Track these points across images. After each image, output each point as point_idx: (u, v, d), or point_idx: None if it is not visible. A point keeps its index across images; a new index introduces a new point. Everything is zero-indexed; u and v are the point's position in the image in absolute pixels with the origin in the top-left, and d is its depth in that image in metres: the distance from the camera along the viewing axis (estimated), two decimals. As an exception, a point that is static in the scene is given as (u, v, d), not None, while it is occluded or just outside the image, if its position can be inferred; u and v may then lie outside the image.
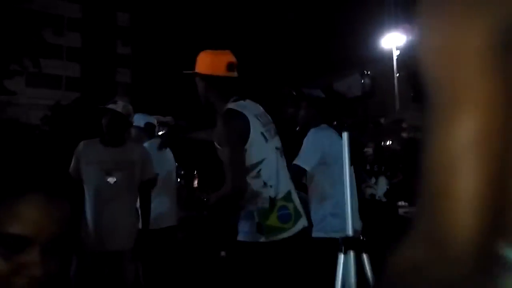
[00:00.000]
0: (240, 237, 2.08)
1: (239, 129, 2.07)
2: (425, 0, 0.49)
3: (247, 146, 2.06)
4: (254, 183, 2.06)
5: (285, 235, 2.06)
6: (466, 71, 0.46)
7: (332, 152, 2.58)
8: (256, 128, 2.10)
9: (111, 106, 2.96)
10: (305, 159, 2.65)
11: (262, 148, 2.09)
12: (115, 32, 35.02)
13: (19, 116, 28.53)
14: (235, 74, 2.24)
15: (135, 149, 3.03)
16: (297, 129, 2.87)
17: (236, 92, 2.23)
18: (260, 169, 2.07)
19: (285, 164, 2.22)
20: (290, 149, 2.98)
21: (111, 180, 2.84)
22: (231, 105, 2.14)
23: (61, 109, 25.73)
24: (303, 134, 2.81)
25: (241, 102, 2.19)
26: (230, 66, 2.21)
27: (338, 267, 1.92)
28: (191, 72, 2.25)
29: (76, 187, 2.87)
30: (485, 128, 0.47)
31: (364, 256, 1.94)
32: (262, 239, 2.03)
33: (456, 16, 0.46)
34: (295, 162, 2.78)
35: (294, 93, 2.80)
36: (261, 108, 2.28)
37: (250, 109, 2.17)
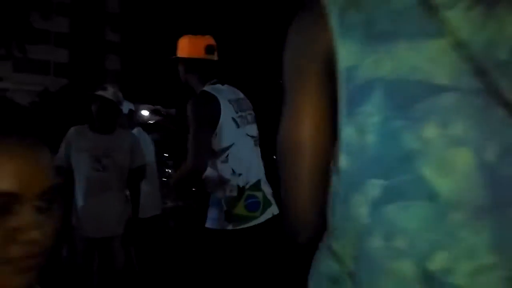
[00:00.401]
0: (208, 224, 2.09)
1: (207, 111, 2.07)
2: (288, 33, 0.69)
3: (217, 130, 2.06)
4: (222, 169, 2.07)
5: (253, 223, 2.07)
6: (302, 82, 0.67)
7: None
8: (227, 113, 2.09)
9: (100, 92, 2.94)
10: None
11: (232, 133, 2.09)
12: (104, 18, 34.56)
13: (6, 102, 28.07)
14: (214, 57, 2.24)
15: (125, 136, 3.03)
16: None
17: (216, 76, 2.23)
18: (227, 154, 2.08)
19: (258, 153, 2.21)
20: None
21: (101, 167, 2.85)
22: (206, 88, 2.15)
23: (49, 96, 25.43)
24: None
25: (218, 85, 2.19)
26: (208, 49, 2.21)
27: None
28: (173, 57, 2.27)
29: (66, 174, 2.88)
30: (314, 128, 0.65)
31: None
32: (230, 227, 2.05)
33: (300, 47, 0.67)
34: None
35: (280, 82, 2.81)
36: (241, 94, 2.27)
37: (225, 93, 2.17)
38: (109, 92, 2.93)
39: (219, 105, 2.08)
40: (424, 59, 0.57)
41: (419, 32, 0.58)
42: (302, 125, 0.67)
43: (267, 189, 2.18)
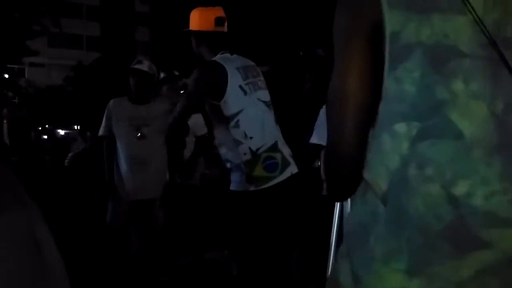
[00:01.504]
0: (232, 187, 2.20)
1: (212, 78, 2.18)
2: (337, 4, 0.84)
3: (225, 97, 2.15)
4: (234, 133, 2.17)
5: (273, 182, 2.16)
6: (351, 46, 0.80)
7: None
8: (234, 80, 2.18)
9: (137, 66, 3.13)
10: (320, 136, 2.73)
11: (240, 99, 2.17)
12: (133, -10, 34.60)
13: (41, 77, 28.96)
14: (224, 28, 2.32)
15: (161, 105, 3.21)
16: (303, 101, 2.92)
17: (226, 47, 2.30)
18: (238, 120, 2.16)
19: (273, 117, 2.28)
20: (303, 124, 3.02)
21: (140, 135, 3.06)
22: (215, 58, 2.23)
23: (83, 69, 25.99)
24: (311, 107, 2.84)
25: (227, 55, 2.26)
26: (218, 21, 2.29)
27: (335, 213, 1.97)
28: (185, 30, 2.35)
29: (108, 143, 3.14)
30: (360, 80, 0.79)
31: None
32: (252, 188, 2.15)
33: (349, 15, 0.81)
34: (311, 141, 2.86)
35: (301, 53, 2.81)
36: (250, 62, 2.34)
37: (234, 62, 2.24)
38: (145, 65, 3.13)
39: (226, 73, 2.16)
40: (453, 29, 0.73)
41: (449, 8, 0.74)
42: (350, 77, 0.79)
43: (285, 150, 2.26)
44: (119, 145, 3.12)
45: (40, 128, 19.32)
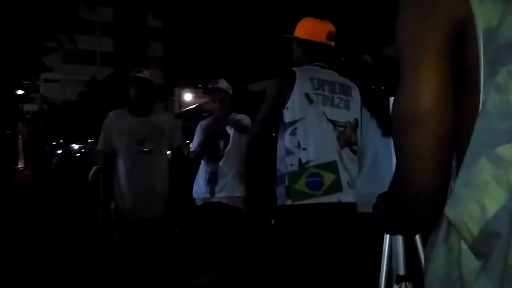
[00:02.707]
0: (277, 203, 2.13)
1: (279, 86, 2.15)
2: (401, 1, 0.68)
3: (288, 104, 2.09)
4: (288, 141, 2.09)
5: (312, 201, 2.05)
6: (425, 55, 0.65)
7: None
8: (300, 87, 2.10)
9: (139, 74, 3.03)
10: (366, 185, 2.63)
11: (304, 107, 2.09)
12: (146, 5, 35.15)
13: (56, 92, 29.42)
14: (332, 43, 2.28)
15: (164, 117, 3.10)
16: None
17: (326, 60, 2.26)
18: (296, 128, 2.08)
19: (335, 136, 2.13)
20: None
21: (144, 149, 2.91)
22: (294, 68, 2.20)
23: (97, 85, 26.32)
24: None
25: (312, 66, 2.22)
26: (330, 35, 2.26)
27: (384, 246, 1.79)
28: (290, 36, 2.29)
29: (107, 159, 2.95)
30: (437, 97, 0.64)
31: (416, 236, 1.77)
32: (289, 202, 2.06)
33: (421, 15, 0.65)
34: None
35: (343, 59, 2.66)
36: (342, 79, 2.25)
37: (314, 72, 2.19)
38: (146, 73, 3.04)
39: (294, 79, 2.10)
40: None
41: None
42: (424, 93, 0.64)
43: (346, 175, 2.10)
44: (120, 161, 2.91)
45: (54, 143, 19.55)
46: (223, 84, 3.24)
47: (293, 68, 2.17)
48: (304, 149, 2.06)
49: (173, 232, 3.22)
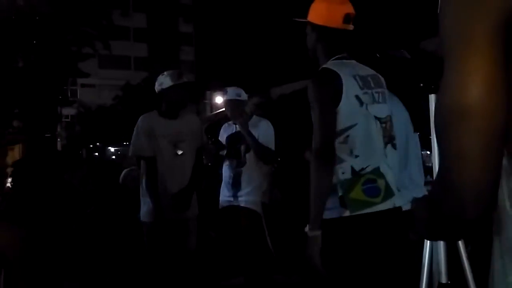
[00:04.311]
0: (325, 216, 1.88)
1: (329, 89, 1.91)
2: None
3: (338, 109, 1.88)
4: (340, 149, 1.89)
5: (373, 209, 1.87)
6: (473, 44, 0.59)
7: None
8: (350, 90, 1.90)
9: (184, 80, 3.10)
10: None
11: (355, 112, 1.90)
12: (178, 10, 35.70)
13: (93, 97, 30.25)
14: (350, 26, 2.02)
15: (191, 118, 3.19)
16: None
17: (346, 48, 2.04)
18: (348, 135, 1.89)
19: (381, 136, 1.97)
20: None
21: (178, 152, 3.00)
22: (328, 64, 1.98)
23: (131, 89, 26.90)
24: None
25: (342, 61, 2.00)
26: (347, 18, 1.99)
27: (424, 253, 1.72)
28: (302, 20, 2.05)
29: (152, 161, 2.97)
30: (486, 90, 0.58)
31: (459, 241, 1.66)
32: (347, 213, 1.86)
33: (466, 4, 0.60)
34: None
35: (378, 55, 2.46)
36: (370, 70, 2.06)
37: (350, 68, 1.98)
38: (188, 77, 3.19)
39: (341, 81, 1.89)
40: None
41: None
42: (470, 87, 0.58)
43: (390, 176, 1.95)
44: (158, 164, 2.98)
45: (91, 146, 20.10)
46: (231, 93, 3.28)
47: (329, 67, 1.95)
48: (356, 156, 1.89)
49: (208, 234, 3.27)
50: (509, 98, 0.58)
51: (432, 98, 1.81)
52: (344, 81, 1.90)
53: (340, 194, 1.87)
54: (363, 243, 1.87)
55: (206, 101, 26.41)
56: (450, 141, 0.60)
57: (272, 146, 3.25)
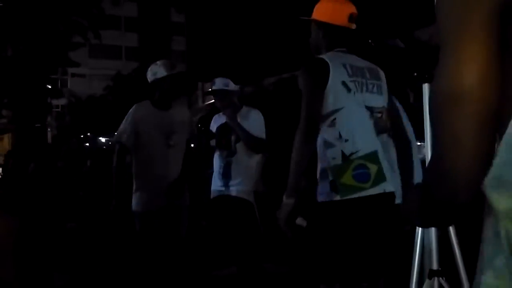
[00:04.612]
0: (318, 199, 2.02)
1: (314, 74, 2.01)
2: None
3: (324, 93, 1.98)
4: (328, 133, 1.99)
5: (362, 194, 1.95)
6: (469, 31, 0.60)
7: None
8: (337, 76, 2.00)
9: (176, 70, 3.10)
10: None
11: (341, 97, 1.99)
12: (169, 0, 35.39)
13: (83, 87, 30.03)
14: (353, 26, 2.15)
15: (183, 110, 3.21)
16: None
17: (347, 44, 2.15)
18: (335, 118, 1.98)
19: (372, 124, 2.05)
20: None
21: (170, 142, 3.01)
22: (321, 55, 2.08)
23: (122, 79, 26.72)
24: None
25: (339, 52, 2.10)
26: (351, 18, 2.14)
27: (416, 240, 1.75)
28: (307, 18, 2.16)
29: (123, 150, 3.00)
30: (480, 76, 0.59)
31: (450, 227, 1.69)
32: (337, 197, 1.95)
33: None
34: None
35: (372, 43, 2.63)
36: (368, 63, 2.17)
37: (343, 58, 2.08)
38: (179, 67, 3.15)
39: (328, 67, 1.99)
40: None
41: None
42: (465, 74, 0.59)
43: (385, 163, 2.03)
44: (144, 153, 3.00)
45: (82, 136, 19.99)
46: (219, 83, 3.24)
47: (321, 56, 2.06)
48: (346, 140, 1.97)
49: (199, 224, 3.28)
50: (502, 85, 0.59)
51: (425, 87, 1.85)
52: (331, 68, 1.99)
53: (331, 178, 1.96)
54: (353, 226, 1.95)
55: (198, 92, 26.34)
56: (444, 126, 0.61)
57: (262, 135, 3.26)
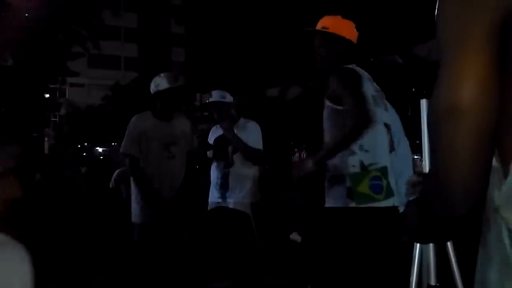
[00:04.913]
0: (329, 204, 2.05)
1: (354, 78, 2.08)
2: None
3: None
4: None
5: (376, 204, 2.00)
6: (469, 45, 0.60)
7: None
8: (368, 88, 2.09)
9: (179, 83, 3.13)
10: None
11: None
12: (169, 11, 35.62)
13: (81, 97, 30.07)
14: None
15: (183, 121, 3.20)
16: None
17: (356, 62, 2.27)
18: None
19: (388, 141, 2.13)
20: None
21: (170, 154, 3.01)
22: (348, 66, 2.18)
23: (121, 89, 26.75)
24: None
25: (356, 67, 2.21)
26: (357, 35, 2.30)
27: (414, 255, 1.74)
28: (326, 32, 2.22)
29: (136, 161, 2.99)
30: (479, 90, 0.59)
31: (448, 243, 1.73)
32: (353, 204, 1.99)
33: (463, 5, 0.60)
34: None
35: (371, 59, 2.70)
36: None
37: (364, 73, 2.19)
38: (181, 79, 3.15)
39: (361, 79, 2.09)
40: None
41: None
42: (465, 86, 0.58)
43: (392, 180, 2.09)
44: (145, 164, 3.00)
45: (79, 146, 19.97)
46: (216, 95, 3.26)
47: (349, 67, 2.13)
48: (367, 151, 2.02)
49: (197, 236, 3.26)
50: (501, 99, 0.59)
51: (423, 103, 1.87)
52: (364, 80, 2.10)
53: (348, 185, 2.01)
54: (365, 235, 2.01)
55: (197, 103, 26.40)
56: (441, 139, 0.60)
57: (260, 146, 3.25)
